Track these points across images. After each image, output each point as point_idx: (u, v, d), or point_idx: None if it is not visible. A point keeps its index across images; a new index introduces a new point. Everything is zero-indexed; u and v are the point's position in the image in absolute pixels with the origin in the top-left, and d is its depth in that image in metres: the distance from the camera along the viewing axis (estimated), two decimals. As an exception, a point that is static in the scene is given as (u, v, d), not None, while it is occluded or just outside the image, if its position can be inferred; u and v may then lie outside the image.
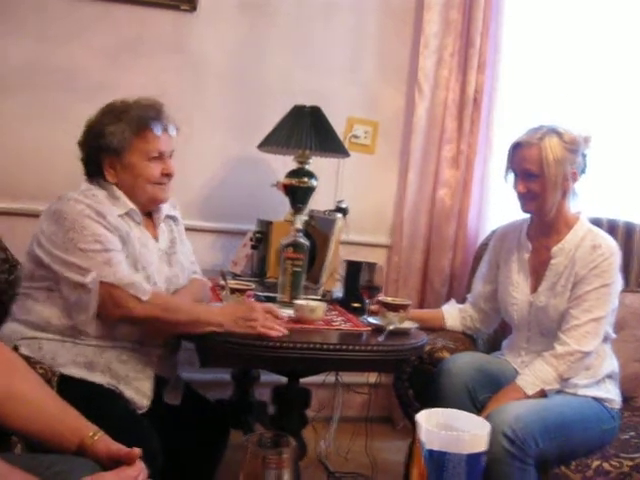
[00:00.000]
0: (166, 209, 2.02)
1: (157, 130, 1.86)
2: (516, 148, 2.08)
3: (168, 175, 1.89)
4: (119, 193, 1.85)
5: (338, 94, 3.06)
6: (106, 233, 1.74)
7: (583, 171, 2.09)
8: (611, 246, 2.02)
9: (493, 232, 2.55)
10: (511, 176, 2.12)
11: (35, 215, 1.86)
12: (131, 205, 1.86)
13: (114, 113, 1.85)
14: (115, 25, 2.81)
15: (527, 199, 2.08)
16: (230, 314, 1.73)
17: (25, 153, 2.76)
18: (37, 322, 1.77)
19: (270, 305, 1.88)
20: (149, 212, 1.96)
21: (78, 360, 1.74)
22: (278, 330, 1.73)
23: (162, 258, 1.93)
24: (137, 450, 1.19)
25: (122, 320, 1.75)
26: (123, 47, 2.82)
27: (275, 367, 2.02)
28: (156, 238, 1.95)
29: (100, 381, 1.74)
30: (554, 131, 2.02)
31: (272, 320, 1.77)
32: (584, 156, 2.08)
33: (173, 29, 2.88)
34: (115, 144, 1.82)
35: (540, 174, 2.02)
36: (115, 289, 1.69)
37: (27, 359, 1.48)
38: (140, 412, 1.77)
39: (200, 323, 1.72)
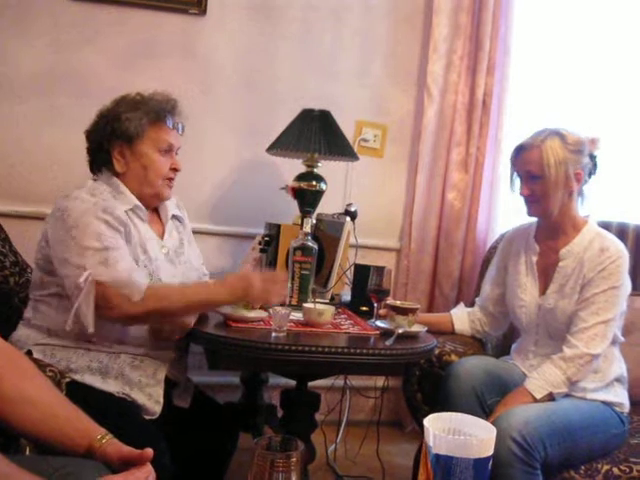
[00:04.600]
0: (172, 208, 2.02)
1: (170, 123, 1.89)
2: (519, 151, 2.09)
3: (175, 170, 1.92)
4: (123, 188, 1.85)
5: (347, 98, 3.06)
6: (108, 231, 1.71)
7: (593, 172, 2.10)
8: (619, 249, 2.02)
9: (502, 235, 2.55)
10: (517, 182, 2.13)
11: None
12: (136, 201, 1.85)
13: (131, 103, 1.88)
14: (127, 30, 2.83)
15: (531, 202, 2.09)
16: (231, 290, 1.77)
17: (39, 157, 2.78)
18: (51, 328, 1.77)
19: (269, 274, 1.93)
20: (155, 209, 1.97)
21: (92, 366, 1.74)
22: (278, 295, 1.81)
23: (166, 257, 1.92)
24: (150, 450, 1.19)
25: (119, 321, 1.72)
26: (134, 51, 2.84)
27: (283, 370, 2.03)
28: (161, 236, 1.94)
29: (112, 389, 1.74)
30: (556, 133, 2.04)
31: (271, 286, 1.79)
32: (592, 157, 2.08)
33: (183, 33, 2.90)
34: (131, 130, 1.83)
35: (542, 175, 2.02)
36: (108, 289, 1.64)
37: (37, 362, 1.48)
38: (152, 418, 1.77)
39: (207, 305, 1.84)
